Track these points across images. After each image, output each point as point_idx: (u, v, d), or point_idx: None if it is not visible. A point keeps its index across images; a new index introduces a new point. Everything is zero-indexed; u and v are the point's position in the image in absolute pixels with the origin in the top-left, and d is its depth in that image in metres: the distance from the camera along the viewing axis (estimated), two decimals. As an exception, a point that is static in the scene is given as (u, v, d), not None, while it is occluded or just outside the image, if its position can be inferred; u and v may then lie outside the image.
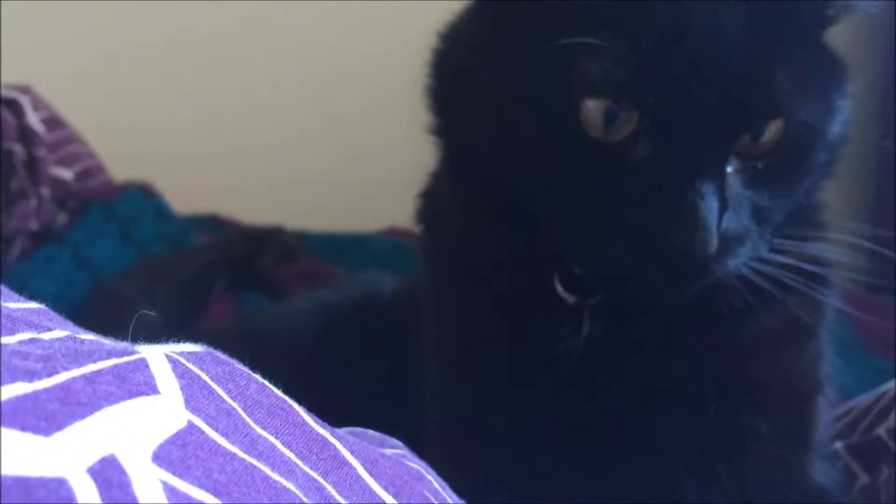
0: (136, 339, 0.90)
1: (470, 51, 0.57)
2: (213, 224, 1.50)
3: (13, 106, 1.15)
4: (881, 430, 0.70)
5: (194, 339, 0.96)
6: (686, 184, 0.50)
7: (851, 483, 0.70)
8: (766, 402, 0.60)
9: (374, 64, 1.45)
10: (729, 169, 0.52)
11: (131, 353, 0.33)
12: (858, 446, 0.73)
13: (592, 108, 0.50)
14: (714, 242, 0.50)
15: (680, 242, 0.50)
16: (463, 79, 0.57)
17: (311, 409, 0.72)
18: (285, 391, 0.73)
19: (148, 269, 1.09)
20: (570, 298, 0.59)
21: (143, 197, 1.27)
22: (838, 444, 0.74)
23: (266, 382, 0.40)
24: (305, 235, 1.47)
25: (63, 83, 1.44)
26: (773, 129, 0.53)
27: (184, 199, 1.48)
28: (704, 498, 0.58)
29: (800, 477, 0.61)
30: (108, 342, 0.35)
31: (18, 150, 1.12)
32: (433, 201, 0.67)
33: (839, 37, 0.59)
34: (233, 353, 0.79)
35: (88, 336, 0.35)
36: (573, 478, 0.59)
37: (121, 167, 1.38)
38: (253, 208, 1.54)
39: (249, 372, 0.40)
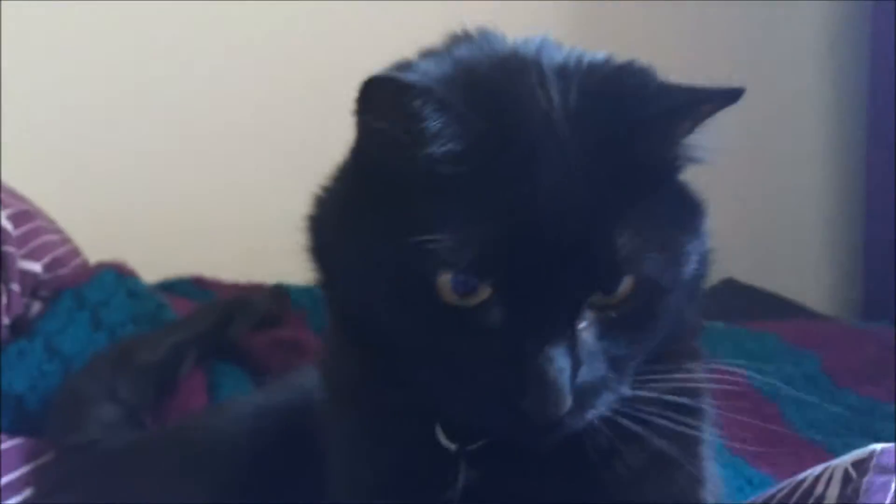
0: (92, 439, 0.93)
1: (335, 225, 0.60)
2: (197, 287, 1.54)
3: (-22, 206, 1.19)
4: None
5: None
6: (535, 350, 0.53)
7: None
8: None
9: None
10: (582, 324, 0.55)
11: None
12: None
13: (446, 281, 0.54)
14: (567, 403, 0.53)
15: (532, 407, 0.53)
16: (330, 249, 0.61)
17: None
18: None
19: (109, 359, 1.12)
20: (451, 446, 0.62)
21: (115, 278, 1.30)
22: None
23: None
24: (288, 290, 1.50)
25: (38, 160, 1.50)
26: (624, 285, 0.55)
27: (166, 264, 1.53)
28: None
29: None
30: None
31: (-13, 249, 1.17)
32: (329, 346, 0.70)
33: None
34: (164, 465, 0.82)
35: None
36: None
37: (100, 241, 1.43)
38: (238, 266, 1.57)
39: None
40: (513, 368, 0.54)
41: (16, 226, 1.21)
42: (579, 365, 0.55)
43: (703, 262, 0.62)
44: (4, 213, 1.20)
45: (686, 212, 0.60)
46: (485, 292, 0.54)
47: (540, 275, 0.53)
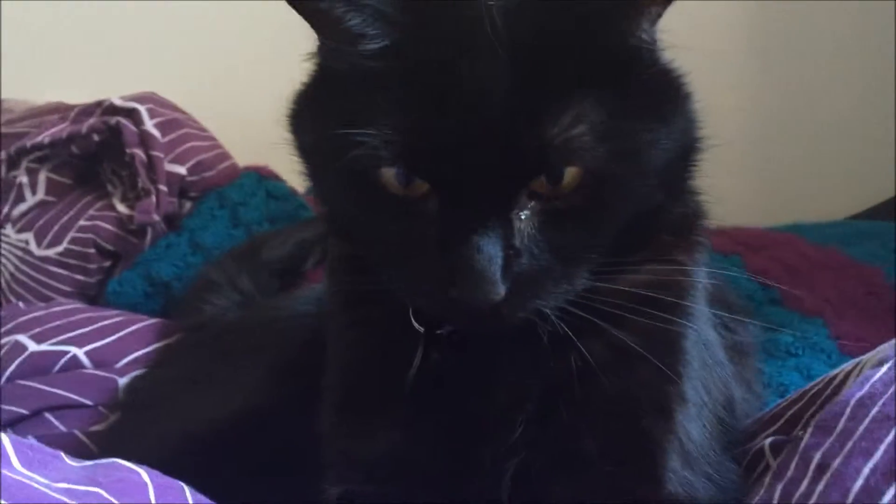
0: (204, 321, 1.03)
1: (303, 120, 0.63)
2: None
3: (132, 114, 1.34)
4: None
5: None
6: (464, 238, 0.54)
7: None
8: (591, 423, 0.61)
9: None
10: (524, 213, 0.55)
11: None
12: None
13: (388, 173, 0.56)
14: (496, 291, 0.54)
15: (460, 294, 0.55)
16: (302, 143, 0.63)
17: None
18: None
19: (238, 253, 1.24)
20: (420, 329, 0.64)
21: (257, 180, 1.41)
22: (766, 442, 0.71)
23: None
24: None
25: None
26: (569, 175, 0.54)
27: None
28: None
29: (646, 493, 0.61)
30: None
31: (139, 153, 1.32)
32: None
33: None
34: (242, 343, 0.90)
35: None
36: (417, 488, 0.64)
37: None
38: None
39: None
40: (444, 257, 0.55)
41: (163, 133, 1.35)
42: (517, 254, 0.54)
43: (683, 150, 0.59)
44: (153, 122, 1.34)
45: (656, 98, 0.57)
46: (424, 183, 0.55)
47: (469, 165, 0.53)
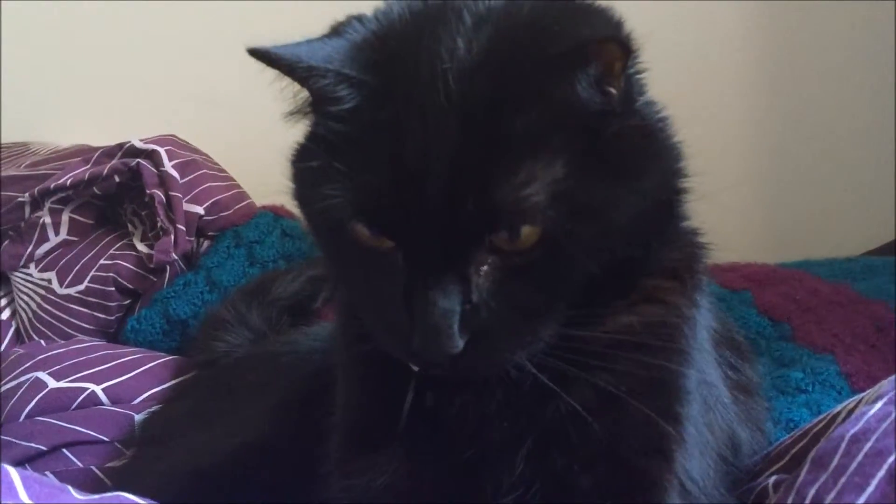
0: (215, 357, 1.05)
1: (296, 170, 0.64)
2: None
3: (152, 156, 1.37)
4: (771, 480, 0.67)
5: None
6: (422, 292, 0.56)
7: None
8: (588, 466, 0.62)
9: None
10: (483, 269, 0.56)
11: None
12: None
13: (358, 226, 0.57)
14: (452, 344, 0.55)
15: (418, 346, 0.56)
16: (296, 193, 0.64)
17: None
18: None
19: (249, 290, 1.25)
20: (415, 368, 0.64)
21: (272, 219, 1.44)
22: (770, 480, 0.71)
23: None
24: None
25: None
26: (525, 233, 0.55)
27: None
28: None
29: None
30: None
31: (159, 193, 1.35)
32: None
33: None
34: (250, 379, 0.92)
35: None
36: None
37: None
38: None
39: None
40: (405, 309, 0.56)
41: (182, 174, 1.38)
42: (475, 309, 0.55)
43: (659, 203, 0.59)
44: (172, 163, 1.37)
45: (622, 156, 0.57)
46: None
47: (424, 224, 0.55)
